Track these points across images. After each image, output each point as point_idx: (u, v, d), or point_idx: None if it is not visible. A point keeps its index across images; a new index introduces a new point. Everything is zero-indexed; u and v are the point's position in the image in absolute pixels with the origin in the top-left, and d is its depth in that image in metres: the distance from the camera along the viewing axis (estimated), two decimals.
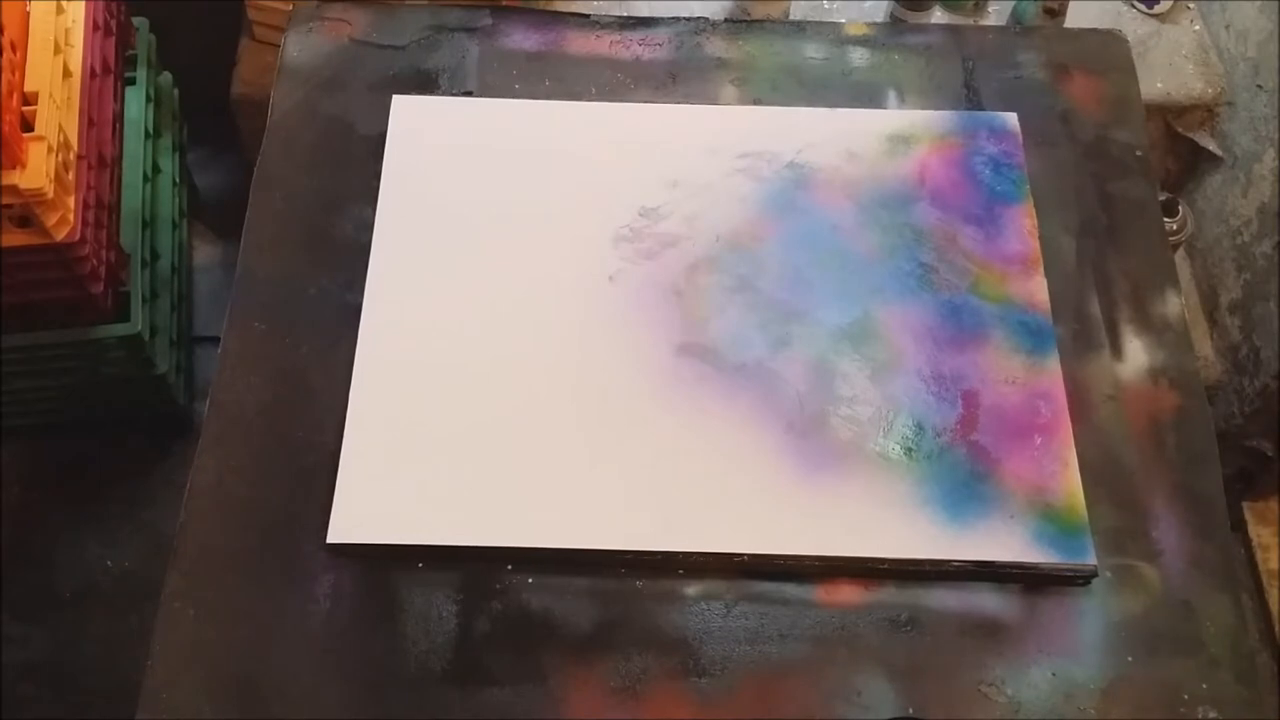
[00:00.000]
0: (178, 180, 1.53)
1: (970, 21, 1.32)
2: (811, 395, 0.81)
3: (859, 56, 0.99)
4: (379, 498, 0.77)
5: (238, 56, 1.45)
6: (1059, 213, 0.91)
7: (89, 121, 1.26)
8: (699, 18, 1.01)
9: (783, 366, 0.82)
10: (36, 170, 1.10)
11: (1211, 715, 0.72)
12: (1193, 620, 0.75)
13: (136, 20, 1.50)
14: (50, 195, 1.11)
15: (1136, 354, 0.85)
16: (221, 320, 0.85)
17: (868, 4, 1.08)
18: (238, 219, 0.89)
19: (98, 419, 1.46)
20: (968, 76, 0.97)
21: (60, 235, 1.15)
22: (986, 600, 0.76)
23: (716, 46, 0.99)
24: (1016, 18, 1.29)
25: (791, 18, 1.06)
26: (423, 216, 0.89)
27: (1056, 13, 1.25)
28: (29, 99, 1.14)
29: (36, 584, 1.41)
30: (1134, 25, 1.34)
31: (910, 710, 0.72)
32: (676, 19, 1.01)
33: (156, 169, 1.47)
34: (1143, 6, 1.35)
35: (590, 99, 0.96)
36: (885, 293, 0.86)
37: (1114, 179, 0.93)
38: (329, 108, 0.95)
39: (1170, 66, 1.31)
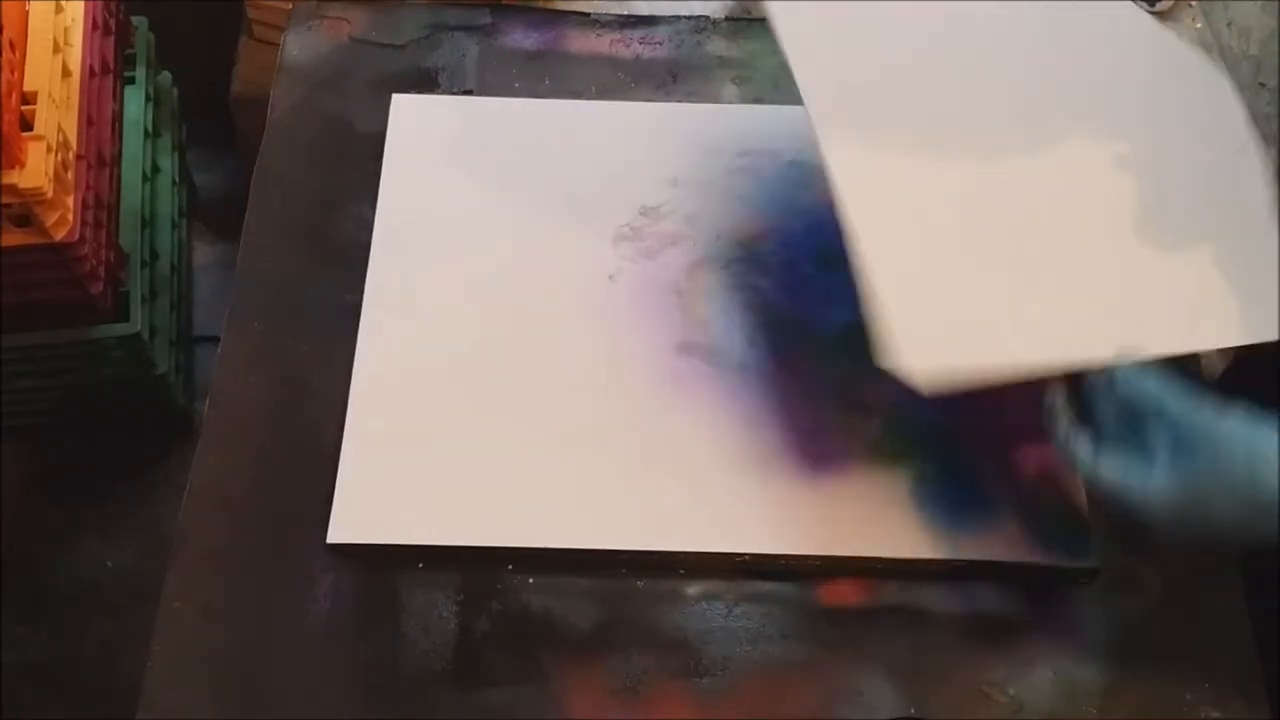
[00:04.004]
0: (177, 180, 1.54)
1: None
2: (812, 394, 0.81)
3: None
4: (379, 498, 0.77)
5: (237, 55, 1.45)
6: None
7: (88, 121, 1.26)
8: (700, 16, 1.01)
9: (784, 365, 0.82)
10: (36, 169, 1.10)
11: (1214, 715, 0.72)
12: (1195, 620, 0.75)
13: (136, 19, 1.50)
14: (49, 195, 1.11)
15: None
16: (221, 320, 0.85)
17: None
18: (238, 219, 0.89)
19: (98, 419, 1.46)
20: None
21: (59, 235, 1.15)
22: (988, 600, 0.75)
23: (717, 45, 0.99)
24: None
25: None
26: (423, 215, 0.88)
27: None
28: (28, 98, 1.14)
29: (36, 584, 1.41)
30: None
31: (912, 710, 0.72)
32: (677, 17, 1.01)
33: (156, 168, 1.47)
34: (1144, 4, 1.35)
35: (590, 98, 0.95)
36: None
37: None
38: (329, 106, 0.95)
39: None
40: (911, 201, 0.75)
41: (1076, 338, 0.70)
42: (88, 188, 1.23)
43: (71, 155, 1.20)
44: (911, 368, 0.67)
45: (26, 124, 1.13)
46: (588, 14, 1.01)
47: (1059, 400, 0.69)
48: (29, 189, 1.10)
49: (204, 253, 1.63)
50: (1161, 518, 0.64)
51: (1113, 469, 0.66)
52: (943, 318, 0.71)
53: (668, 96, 0.96)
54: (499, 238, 0.88)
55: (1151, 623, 0.75)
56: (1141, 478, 0.65)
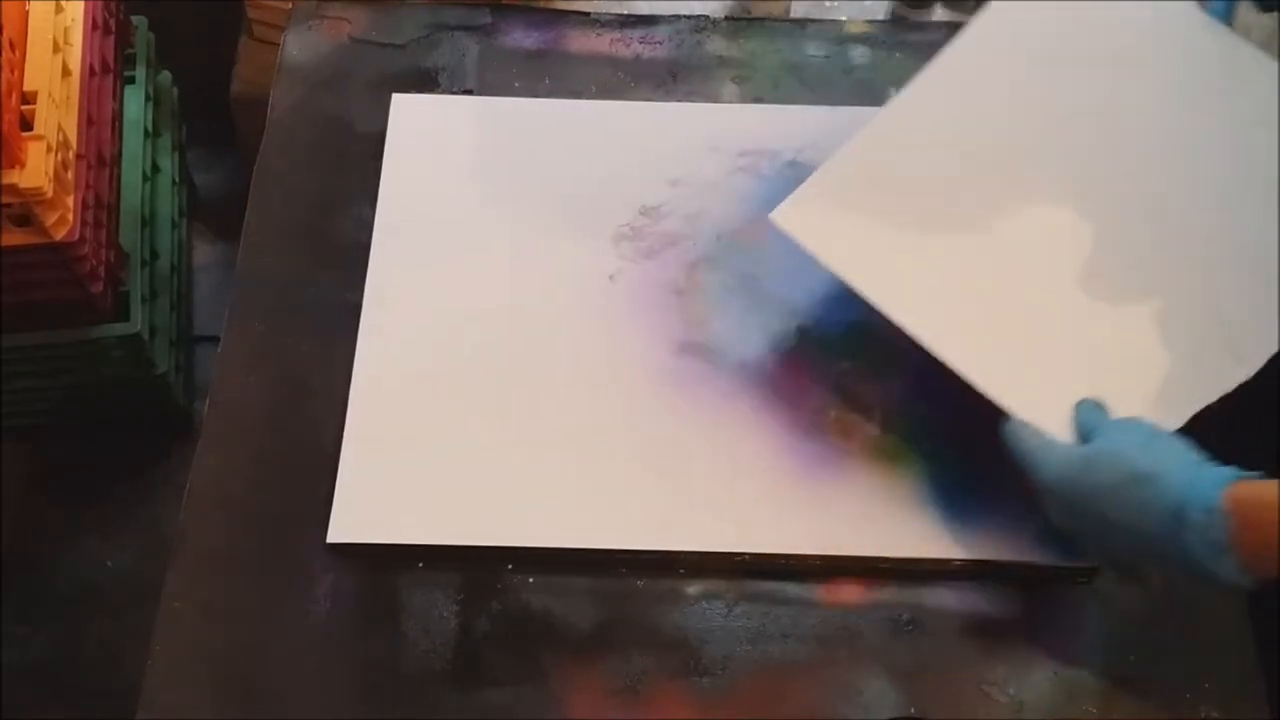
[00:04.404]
0: (177, 179, 1.53)
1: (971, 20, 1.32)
2: (813, 394, 0.81)
3: (860, 54, 0.99)
4: (379, 498, 0.77)
5: (237, 55, 1.45)
6: None
7: (88, 120, 1.26)
8: (700, 16, 1.01)
9: (784, 365, 0.82)
10: (35, 169, 1.10)
11: (1214, 715, 0.72)
12: (1195, 619, 0.75)
13: (135, 19, 1.50)
14: (49, 194, 1.11)
15: None
16: (221, 320, 0.85)
17: (869, 2, 1.08)
18: (238, 218, 0.89)
19: (98, 419, 1.46)
20: None
21: (59, 234, 1.15)
22: (988, 599, 0.75)
23: (717, 44, 0.99)
24: None
25: (792, 15, 1.06)
26: (422, 215, 0.88)
27: None
28: (28, 98, 1.14)
29: (36, 584, 1.41)
30: None
31: (912, 710, 0.72)
32: (677, 17, 1.01)
33: (156, 168, 1.46)
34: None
35: (590, 97, 0.95)
36: None
37: None
38: (329, 106, 0.95)
39: None
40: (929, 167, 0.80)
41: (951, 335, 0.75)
42: (88, 187, 1.23)
43: (71, 155, 1.20)
44: (781, 218, 0.77)
45: (26, 124, 1.13)
46: (588, 14, 1.01)
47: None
48: (29, 189, 1.10)
49: (204, 253, 1.63)
50: (1055, 480, 0.69)
51: (1032, 435, 0.71)
52: (847, 220, 0.78)
53: (668, 96, 0.96)
54: (499, 237, 0.88)
55: (1151, 622, 0.75)
56: (1052, 444, 0.71)
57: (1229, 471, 0.65)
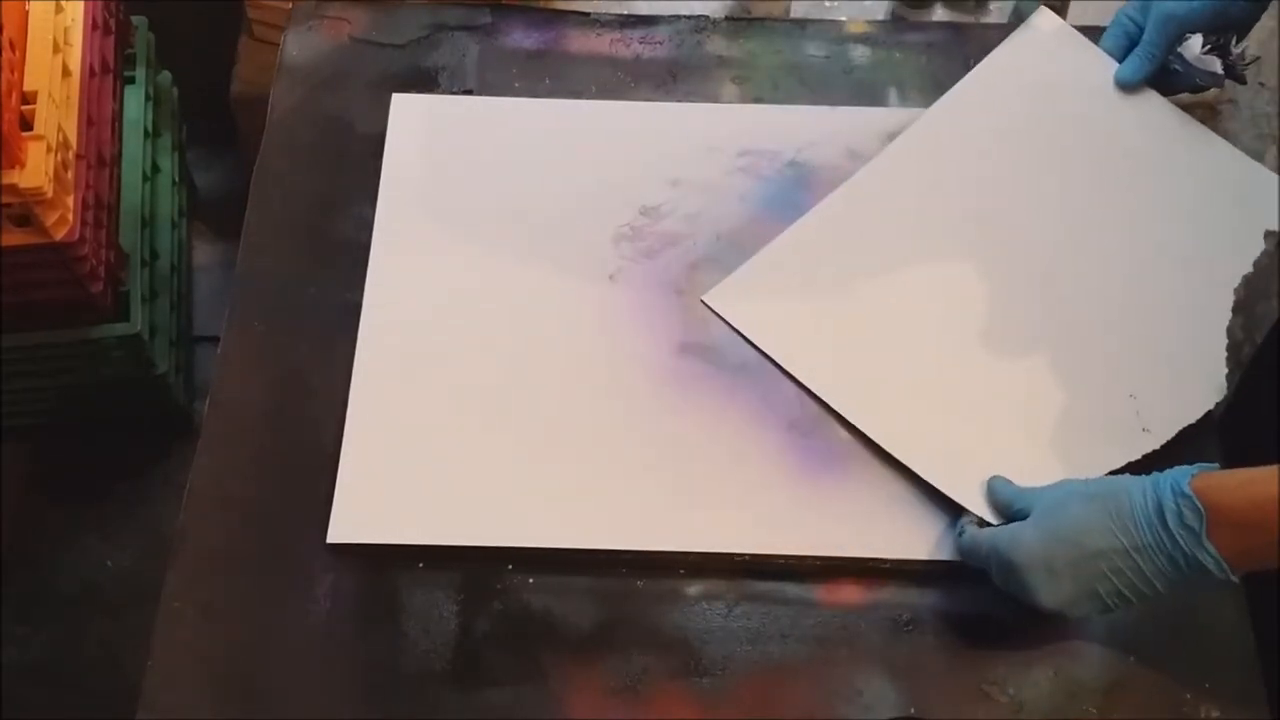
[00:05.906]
0: (177, 179, 1.53)
1: (972, 19, 1.32)
2: (812, 394, 0.81)
3: (860, 54, 0.99)
4: (379, 498, 0.77)
5: (237, 55, 1.45)
6: None
7: (88, 120, 1.26)
8: (700, 16, 1.01)
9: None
10: (35, 169, 1.10)
11: (1214, 715, 0.72)
12: (1195, 619, 0.75)
13: (135, 19, 1.50)
14: (49, 194, 1.11)
15: None
16: (221, 320, 0.85)
17: (869, 2, 1.08)
18: (238, 219, 0.89)
19: (98, 419, 1.46)
20: None
21: (59, 234, 1.15)
22: (988, 599, 0.75)
23: (717, 45, 0.99)
24: (1018, 16, 1.29)
25: (792, 15, 1.06)
26: (422, 215, 0.88)
27: (1058, 12, 1.24)
28: (28, 98, 1.14)
29: (36, 584, 1.41)
30: None
31: (912, 710, 0.72)
32: (677, 17, 1.01)
33: (156, 168, 1.47)
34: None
35: (590, 97, 0.95)
36: None
37: None
38: (329, 106, 0.95)
39: None
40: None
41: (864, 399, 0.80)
42: (88, 187, 1.23)
43: (71, 155, 1.20)
44: (712, 299, 0.84)
45: (26, 124, 1.13)
46: (588, 14, 1.01)
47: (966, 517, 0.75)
48: (29, 189, 1.10)
49: (204, 253, 1.63)
50: (1031, 541, 0.69)
51: (985, 531, 0.73)
52: (770, 298, 0.84)
53: (668, 96, 0.96)
54: (499, 237, 0.88)
55: (1151, 623, 0.75)
56: (998, 531, 0.71)
57: (1183, 467, 0.67)
